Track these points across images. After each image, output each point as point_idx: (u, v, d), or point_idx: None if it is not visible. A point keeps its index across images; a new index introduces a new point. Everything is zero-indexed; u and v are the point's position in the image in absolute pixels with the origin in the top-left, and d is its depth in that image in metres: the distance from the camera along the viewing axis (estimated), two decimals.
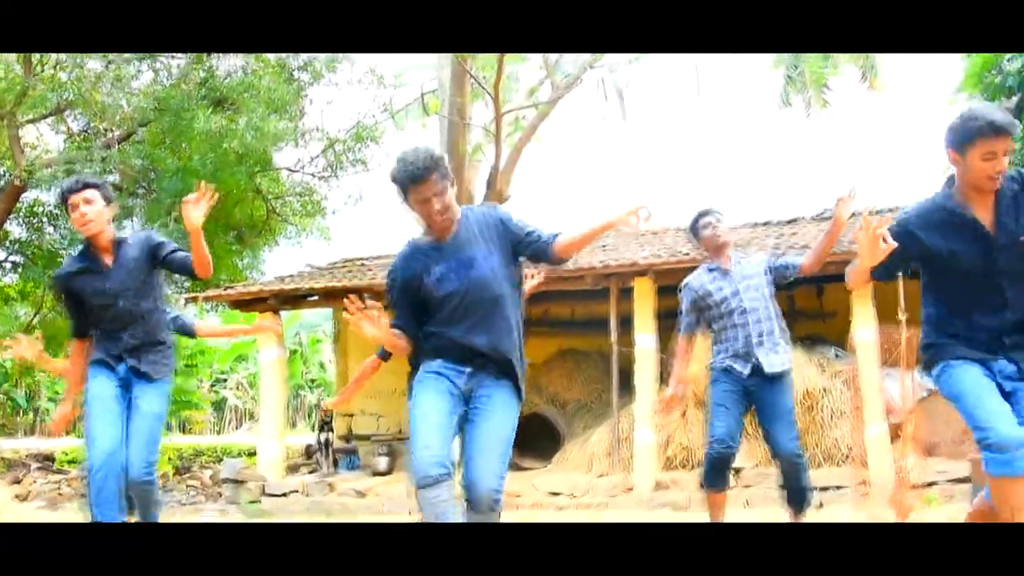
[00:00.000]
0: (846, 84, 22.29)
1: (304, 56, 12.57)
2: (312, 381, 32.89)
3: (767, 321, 5.35)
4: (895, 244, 3.38)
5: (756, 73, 41.91)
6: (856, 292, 8.68)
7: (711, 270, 5.41)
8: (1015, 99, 11.02)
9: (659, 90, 39.52)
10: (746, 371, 5.24)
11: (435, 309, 3.73)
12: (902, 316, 7.42)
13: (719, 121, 43.40)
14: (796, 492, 5.22)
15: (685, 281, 5.45)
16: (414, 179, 3.58)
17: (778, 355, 5.30)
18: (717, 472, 5.21)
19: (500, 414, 3.68)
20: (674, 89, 41.78)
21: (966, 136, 3.39)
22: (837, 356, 9.46)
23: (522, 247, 3.76)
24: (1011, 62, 10.60)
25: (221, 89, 11.85)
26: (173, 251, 4.59)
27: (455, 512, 3.49)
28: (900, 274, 7.85)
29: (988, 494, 3.55)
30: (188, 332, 5.48)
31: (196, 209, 4.27)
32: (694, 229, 5.43)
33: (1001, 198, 3.47)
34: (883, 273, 3.64)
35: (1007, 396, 3.48)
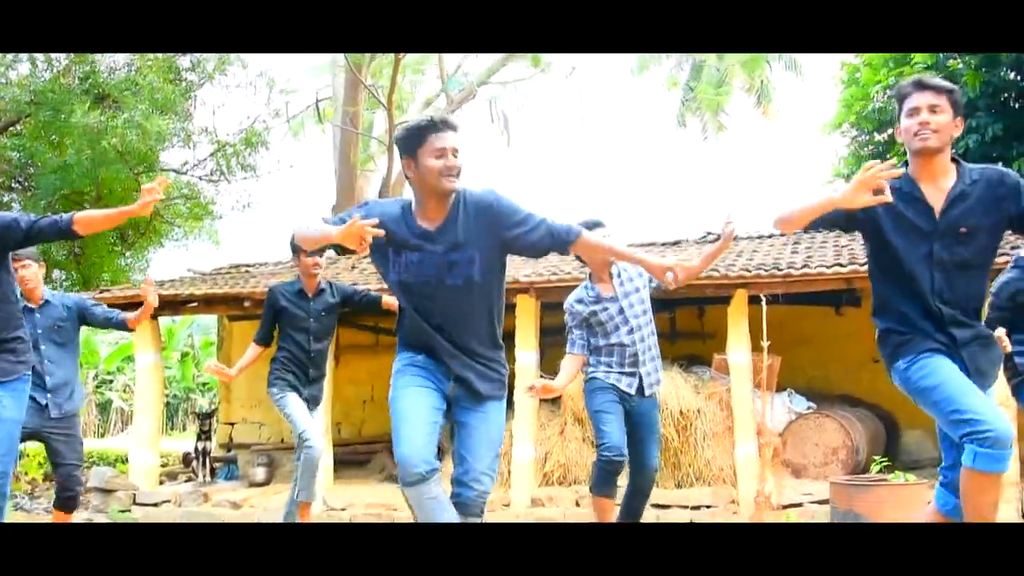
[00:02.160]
0: (742, 109, 22.84)
1: (192, 56, 12.33)
2: (204, 384, 32.18)
3: (651, 337, 5.48)
4: (889, 199, 3.25)
5: (655, 94, 42.63)
6: (732, 316, 8.88)
7: (594, 287, 5.47)
8: (888, 132, 11.50)
9: (554, 108, 39.84)
10: (632, 389, 5.35)
11: (406, 288, 3.65)
12: (765, 343, 7.63)
13: (615, 140, 44.02)
14: (641, 507, 5.35)
15: (570, 299, 5.48)
16: (438, 126, 3.54)
17: (658, 373, 5.45)
18: (608, 478, 5.27)
19: (492, 415, 3.73)
20: (569, 107, 42.20)
21: (897, 100, 3.49)
22: (712, 377, 9.65)
23: (518, 245, 3.66)
24: (880, 95, 11.07)
25: (103, 85, 11.53)
26: (33, 222, 4.27)
27: (447, 509, 3.50)
28: (764, 302, 8.07)
29: (944, 504, 3.55)
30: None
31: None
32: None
33: (956, 185, 3.43)
34: (822, 223, 3.54)
35: None
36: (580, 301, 5.46)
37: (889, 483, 7.23)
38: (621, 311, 5.41)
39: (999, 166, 3.57)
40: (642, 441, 5.37)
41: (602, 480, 5.28)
